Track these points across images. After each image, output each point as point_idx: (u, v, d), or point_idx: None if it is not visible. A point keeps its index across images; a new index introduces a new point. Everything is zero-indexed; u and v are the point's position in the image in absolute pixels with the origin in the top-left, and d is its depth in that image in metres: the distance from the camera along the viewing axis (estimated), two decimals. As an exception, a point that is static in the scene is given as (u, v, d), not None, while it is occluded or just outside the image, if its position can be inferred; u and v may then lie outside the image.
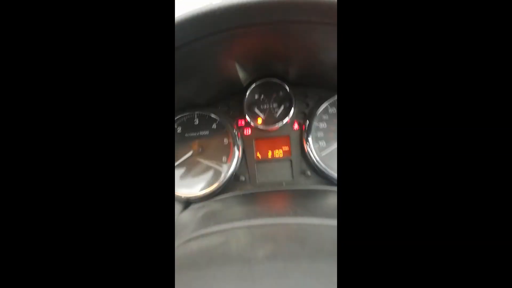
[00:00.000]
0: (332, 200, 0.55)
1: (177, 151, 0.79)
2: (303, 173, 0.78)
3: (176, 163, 0.79)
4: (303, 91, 0.79)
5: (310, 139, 0.76)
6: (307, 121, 0.77)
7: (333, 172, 0.74)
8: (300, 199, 0.55)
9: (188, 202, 0.77)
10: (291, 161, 0.79)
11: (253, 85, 0.78)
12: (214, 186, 0.76)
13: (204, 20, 0.40)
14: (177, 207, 0.76)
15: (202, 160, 0.79)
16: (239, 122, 0.81)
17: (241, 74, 0.67)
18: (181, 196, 0.76)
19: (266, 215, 0.43)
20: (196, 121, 0.81)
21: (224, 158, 0.79)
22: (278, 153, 0.80)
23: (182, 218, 0.69)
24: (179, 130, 0.81)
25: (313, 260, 0.25)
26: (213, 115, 0.79)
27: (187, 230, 0.45)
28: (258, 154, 0.80)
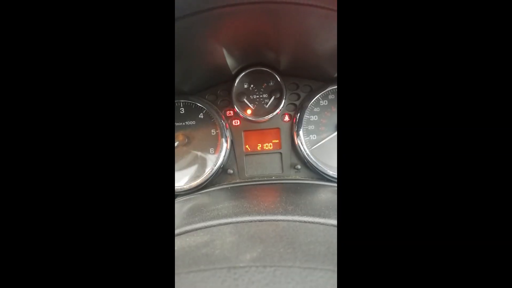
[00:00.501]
0: (323, 196, 0.53)
1: None
2: (293, 166, 0.76)
3: None
4: (294, 82, 0.76)
5: (301, 132, 0.73)
6: (298, 113, 0.74)
7: (324, 166, 0.72)
8: (290, 195, 0.53)
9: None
10: (281, 154, 0.77)
11: (242, 74, 0.75)
12: (201, 178, 0.73)
13: None
14: None
15: (190, 150, 0.75)
16: (227, 112, 0.78)
17: (229, 61, 0.63)
18: None
19: (255, 213, 0.41)
20: (182, 110, 0.77)
21: (211, 150, 0.75)
22: (268, 146, 0.77)
23: None
24: None
25: (304, 265, 0.23)
26: (199, 104, 0.75)
27: None
28: (247, 146, 0.77)
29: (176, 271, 0.24)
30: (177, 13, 0.38)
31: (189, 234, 0.37)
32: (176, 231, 0.39)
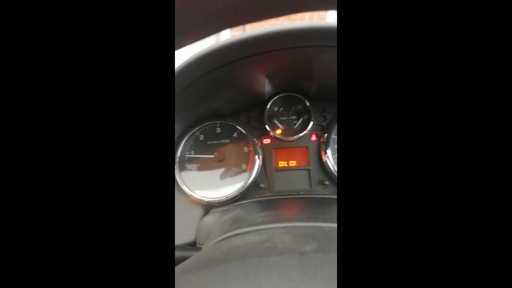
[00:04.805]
0: None
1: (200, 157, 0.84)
2: (321, 182, 0.82)
3: (197, 165, 0.83)
4: (321, 105, 0.84)
5: (328, 150, 0.80)
6: (325, 134, 0.81)
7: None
8: (325, 207, 0.58)
9: (209, 206, 0.80)
10: (309, 170, 0.83)
11: (274, 98, 0.84)
12: (236, 191, 0.80)
13: (244, 44, 0.45)
14: (199, 210, 0.80)
15: (224, 165, 0.83)
16: (259, 132, 0.86)
17: (267, 89, 0.72)
18: (203, 200, 0.80)
19: (297, 220, 0.46)
20: (218, 130, 0.86)
21: (244, 166, 0.83)
22: (297, 163, 0.84)
23: (206, 221, 0.73)
24: (201, 137, 0.85)
25: None
26: (234, 124, 0.84)
27: (215, 233, 0.47)
28: (277, 163, 0.85)
29: (248, 255, 0.29)
30: (234, 57, 0.47)
31: (243, 235, 0.42)
32: (228, 234, 0.45)
